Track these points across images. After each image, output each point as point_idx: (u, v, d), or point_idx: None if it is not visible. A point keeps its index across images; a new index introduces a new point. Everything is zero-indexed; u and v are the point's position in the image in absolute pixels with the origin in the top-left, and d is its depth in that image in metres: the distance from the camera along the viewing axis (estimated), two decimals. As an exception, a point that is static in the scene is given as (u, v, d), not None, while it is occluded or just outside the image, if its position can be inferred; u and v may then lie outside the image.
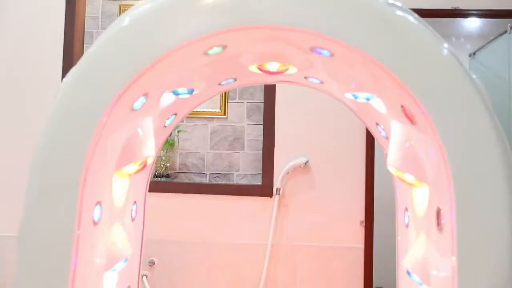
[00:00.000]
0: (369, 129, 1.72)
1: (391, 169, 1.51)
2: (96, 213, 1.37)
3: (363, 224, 2.68)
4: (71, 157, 1.29)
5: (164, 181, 2.83)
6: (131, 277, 1.66)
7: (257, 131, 2.89)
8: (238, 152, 2.90)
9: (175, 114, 1.63)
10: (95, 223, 1.37)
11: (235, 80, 1.56)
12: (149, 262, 2.70)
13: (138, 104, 1.35)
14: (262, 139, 2.84)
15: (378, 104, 1.44)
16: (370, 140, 2.73)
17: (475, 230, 1.21)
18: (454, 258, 1.21)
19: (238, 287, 2.68)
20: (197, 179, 2.89)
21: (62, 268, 1.25)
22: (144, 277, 2.68)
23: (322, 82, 1.54)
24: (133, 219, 1.64)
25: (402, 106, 1.32)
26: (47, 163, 1.29)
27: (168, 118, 1.61)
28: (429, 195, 1.38)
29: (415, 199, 1.49)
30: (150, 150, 1.53)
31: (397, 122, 1.42)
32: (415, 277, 1.45)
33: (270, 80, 1.60)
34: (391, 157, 1.49)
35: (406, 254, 1.55)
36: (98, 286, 1.42)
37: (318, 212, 2.71)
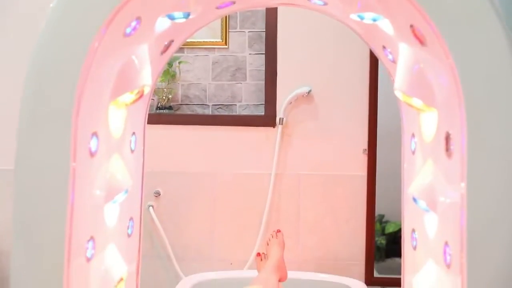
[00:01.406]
0: (375, 53, 1.60)
1: (398, 93, 1.41)
2: (93, 144, 1.29)
3: (366, 152, 2.61)
4: (63, 85, 1.19)
5: (166, 113, 2.74)
6: (133, 208, 1.60)
7: (259, 61, 2.77)
8: (240, 83, 2.79)
9: (172, 41, 1.52)
10: (92, 155, 1.29)
11: (233, 3, 1.43)
12: (154, 193, 2.65)
13: (130, 29, 1.24)
14: (264, 69, 2.72)
15: (385, 25, 1.33)
16: (374, 67, 2.61)
17: (486, 155, 1.13)
18: (463, 184, 1.13)
19: (242, 216, 2.64)
20: (200, 111, 2.80)
21: (60, 201, 1.18)
22: (150, 207, 2.64)
23: (325, 4, 1.42)
24: (132, 151, 1.56)
25: (411, 26, 1.21)
26: (38, 93, 1.20)
27: (165, 45, 1.50)
28: (438, 120, 1.29)
29: (423, 125, 1.40)
30: (146, 79, 1.43)
31: (405, 44, 1.31)
32: (422, 204, 1.39)
33: (271, 2, 1.48)
34: (398, 81, 1.38)
35: (412, 181, 1.48)
36: (98, 218, 1.36)
37: (321, 141, 2.63)
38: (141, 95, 1.44)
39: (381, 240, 2.90)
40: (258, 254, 2.15)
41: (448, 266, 1.22)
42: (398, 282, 2.50)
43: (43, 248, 1.18)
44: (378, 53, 1.57)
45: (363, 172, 2.61)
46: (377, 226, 2.75)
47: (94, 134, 1.29)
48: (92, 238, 1.30)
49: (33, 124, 1.19)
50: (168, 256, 2.62)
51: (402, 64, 1.36)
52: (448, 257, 1.23)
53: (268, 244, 2.13)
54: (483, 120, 1.14)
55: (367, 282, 2.44)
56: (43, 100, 1.19)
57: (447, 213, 1.25)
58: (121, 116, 1.45)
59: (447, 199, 1.25)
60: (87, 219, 1.28)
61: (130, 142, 1.54)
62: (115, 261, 1.43)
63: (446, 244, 1.23)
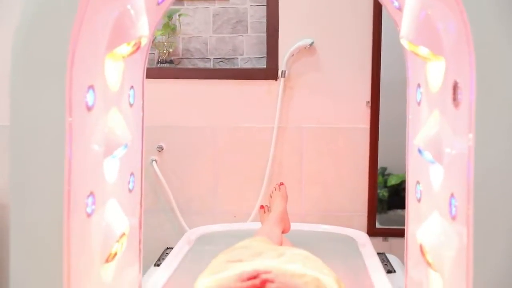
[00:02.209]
0: (380, 0, 1.52)
1: (403, 42, 1.33)
2: (89, 97, 1.23)
3: (369, 104, 2.54)
4: (55, 36, 1.12)
5: (167, 67, 2.66)
6: (134, 163, 1.55)
7: (261, 13, 2.67)
8: (242, 36, 2.71)
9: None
10: (89, 109, 1.23)
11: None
12: (157, 147, 2.61)
13: (124, -24, 1.16)
14: (265, 21, 2.63)
15: (391, -31, 1.24)
16: (377, 18, 2.51)
17: (495, 104, 1.07)
18: (471, 136, 1.07)
19: (245, 170, 2.61)
20: (201, 64, 2.72)
21: (57, 156, 1.13)
22: (154, 162, 2.60)
23: None
24: (131, 105, 1.50)
25: (419, -31, 1.12)
26: (29, 45, 1.13)
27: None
28: (446, 69, 1.22)
29: (429, 74, 1.33)
30: (143, 30, 1.36)
31: (412, -11, 1.23)
32: (427, 155, 1.33)
33: None
34: (404, 29, 1.31)
35: (417, 132, 1.42)
36: (98, 174, 1.31)
37: (324, 94, 2.57)
38: (138, 47, 1.36)
39: (383, 193, 2.87)
40: (262, 207, 2.13)
41: (454, 218, 1.18)
42: (400, 232, 2.48)
43: (42, 204, 1.14)
44: (384, 0, 1.48)
45: (366, 124, 2.55)
46: (380, 178, 2.71)
47: (91, 87, 1.23)
48: (92, 193, 1.26)
49: (25, 79, 1.13)
50: (172, 209, 2.59)
51: (408, 11, 1.28)
52: (453, 209, 1.18)
53: (271, 197, 2.11)
54: (493, 68, 1.07)
55: (369, 233, 2.42)
56: (35, 53, 1.12)
57: (453, 165, 1.19)
58: (118, 69, 1.38)
59: (454, 150, 1.19)
60: (86, 174, 1.24)
61: (129, 96, 1.48)
62: (116, 217, 1.39)
63: (452, 196, 1.19)
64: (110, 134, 1.33)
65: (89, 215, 1.25)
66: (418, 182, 1.45)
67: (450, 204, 1.19)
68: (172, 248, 2.16)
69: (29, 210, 1.14)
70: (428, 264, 1.33)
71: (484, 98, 1.06)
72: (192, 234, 2.29)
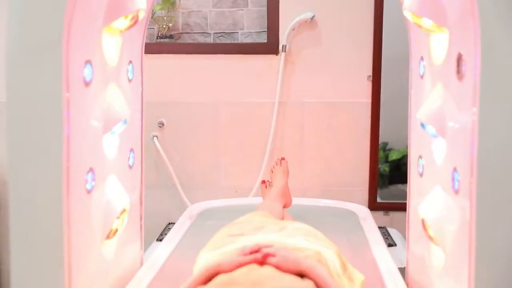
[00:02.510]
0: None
1: (407, 14, 1.30)
2: (87, 73, 1.20)
3: (371, 78, 2.50)
4: (50, 10, 1.09)
5: (167, 42, 2.62)
6: (134, 139, 1.53)
7: (261, -14, 2.62)
8: (242, 10, 2.65)
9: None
10: (86, 84, 1.20)
11: None
12: (158, 123, 2.58)
13: None
14: (266, -6, 2.57)
15: None
16: (379, -10, 2.46)
17: (500, 77, 1.04)
18: (475, 109, 1.04)
19: (246, 145, 2.58)
20: (201, 39, 2.68)
21: (55, 133, 1.11)
22: (155, 137, 2.57)
23: None
24: (130, 80, 1.47)
25: None
26: (24, 19, 1.10)
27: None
28: (449, 41, 1.19)
29: (433, 47, 1.29)
30: (140, 2, 1.32)
31: (415, -41, 1.19)
32: (430, 129, 1.31)
33: None
34: (407, 0, 1.27)
35: (420, 106, 1.39)
36: (97, 150, 1.29)
37: (325, 68, 2.52)
38: (136, 21, 1.33)
39: (384, 168, 2.85)
40: (263, 182, 2.12)
41: (456, 192, 1.16)
42: (401, 207, 2.46)
43: (41, 181, 1.12)
44: (386, -29, 1.44)
45: (367, 99, 2.52)
46: (381, 153, 2.69)
47: (88, 62, 1.20)
48: (91, 169, 1.24)
49: (21, 54, 1.10)
50: (174, 185, 2.58)
51: (411, -19, 1.25)
52: (456, 183, 1.16)
53: (272, 172, 2.09)
54: (498, 39, 1.04)
55: (371, 207, 2.41)
56: (30, 27, 1.09)
57: (457, 139, 1.17)
58: (116, 43, 1.35)
59: (457, 124, 1.17)
60: (85, 150, 1.22)
61: (127, 71, 1.45)
62: (116, 193, 1.38)
63: (455, 170, 1.17)
64: (109, 109, 1.31)
65: (89, 191, 1.24)
66: (420, 157, 1.43)
67: (453, 178, 1.17)
68: (174, 223, 2.15)
69: (28, 187, 1.12)
70: (430, 238, 1.32)
71: (488, 71, 1.03)
72: (193, 209, 2.28)
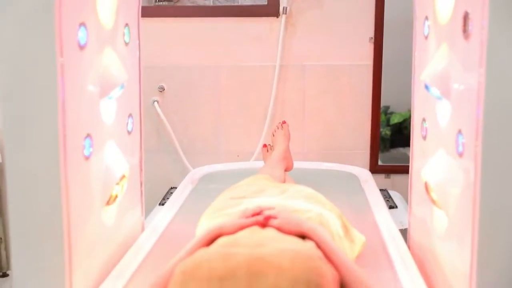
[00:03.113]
0: None
1: (411, -29, 1.23)
2: (81, 36, 1.14)
3: (373, 40, 2.44)
4: (40, -30, 1.03)
5: (166, 5, 2.54)
6: (132, 104, 1.48)
7: None
8: (242, -29, 2.57)
9: None
10: (81, 48, 1.15)
11: None
12: (158, 88, 2.53)
13: None
14: (266, -45, 2.48)
15: None
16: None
17: (507, 36, 0.98)
18: (481, 70, 0.99)
19: (248, 109, 2.53)
20: (200, 2, 2.60)
21: (50, 98, 1.06)
22: (155, 102, 2.52)
23: None
24: (126, 44, 1.41)
25: None
26: (13, -20, 1.04)
27: None
28: (456, -1, 1.12)
29: (438, 5, 1.23)
30: (135, -38, 1.25)
31: None
32: (434, 91, 1.26)
33: None
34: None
35: (424, 67, 1.34)
36: (94, 115, 1.25)
37: (326, 30, 2.45)
38: (131, -18, 1.27)
39: (386, 131, 2.81)
40: (264, 146, 2.09)
41: (461, 155, 1.12)
42: (402, 169, 2.44)
43: (37, 147, 1.08)
44: None
45: (369, 61, 2.45)
46: (382, 117, 2.64)
47: (82, 24, 1.14)
48: (89, 135, 1.20)
49: (12, 18, 1.04)
50: (175, 150, 2.54)
51: None
52: (460, 146, 1.12)
53: (273, 136, 2.06)
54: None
55: (372, 170, 2.38)
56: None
57: (462, 101, 1.12)
58: (111, 5, 1.29)
59: (463, 85, 1.12)
60: (82, 116, 1.17)
61: (123, 34, 1.39)
62: (115, 159, 1.34)
63: (459, 132, 1.12)
64: (105, 74, 1.26)
65: (87, 157, 1.20)
66: (424, 119, 1.38)
67: (457, 141, 1.13)
68: (176, 188, 2.12)
69: (24, 154, 1.09)
70: (433, 201, 1.28)
71: (496, 30, 0.98)
72: (195, 173, 2.25)
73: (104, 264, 1.28)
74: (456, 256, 1.13)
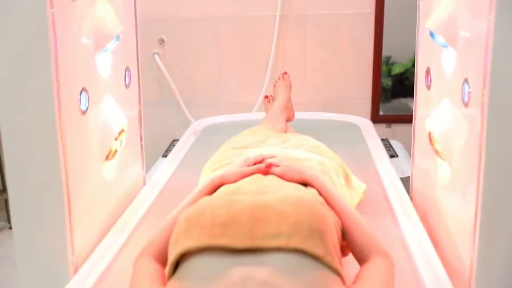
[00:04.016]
0: None
1: None
2: (72, -15, 1.06)
3: (374, -12, 2.33)
4: None
5: (164, -45, 2.42)
6: (129, 57, 1.41)
7: None
8: None
9: None
10: (72, -2, 1.07)
11: None
12: (159, 40, 2.44)
13: None
14: None
15: None
16: None
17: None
18: (491, 16, 0.92)
19: (249, 60, 2.45)
20: (199, -49, 2.47)
21: (41, 51, 1.00)
22: (156, 54, 2.44)
23: None
24: (121, -7, 1.33)
25: None
26: None
27: None
28: None
29: None
30: None
31: None
32: (439, 39, 1.18)
33: None
34: None
35: (429, 15, 1.25)
36: (89, 69, 1.18)
37: (327, -23, 2.34)
38: None
39: (387, 82, 2.73)
40: (266, 97, 2.03)
41: (466, 104, 1.06)
42: (403, 119, 2.38)
43: (31, 103, 1.03)
44: None
45: (370, 9, 2.35)
46: (384, 68, 2.55)
47: (72, -27, 1.06)
48: (84, 89, 1.13)
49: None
50: (177, 102, 2.48)
51: None
52: (466, 95, 1.05)
53: (275, 86, 1.99)
54: None
55: (373, 120, 2.31)
56: None
57: (469, 48, 1.05)
58: (103, -47, 1.20)
59: (470, 32, 1.04)
60: (76, 69, 1.11)
61: (118, -17, 1.30)
62: (113, 113, 1.28)
63: (466, 81, 1.05)
64: (99, 25, 1.18)
65: (83, 112, 1.14)
66: (428, 68, 1.31)
67: (463, 90, 1.07)
68: (178, 140, 2.07)
69: (18, 110, 1.03)
70: (436, 152, 1.23)
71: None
72: (197, 125, 2.20)
73: (105, 219, 1.24)
74: (460, 207, 1.09)
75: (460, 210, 1.08)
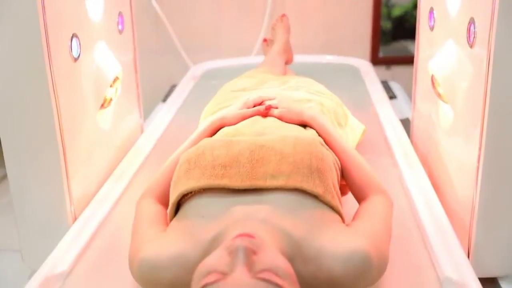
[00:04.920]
0: None
1: None
2: None
3: None
4: None
5: None
6: (121, 1, 1.32)
7: None
8: None
9: None
10: None
11: None
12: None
13: None
14: None
15: None
16: None
17: None
18: None
19: (247, 3, 2.33)
20: None
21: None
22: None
23: None
24: None
25: None
26: None
27: None
28: None
29: None
30: None
31: None
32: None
33: None
34: None
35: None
36: (80, 14, 1.10)
37: None
38: None
39: (386, 24, 2.61)
40: (265, 40, 1.95)
41: (471, 45, 0.99)
42: (403, 60, 2.30)
43: (20, 49, 0.96)
44: None
45: None
46: (383, 10, 2.44)
47: None
48: (75, 35, 1.06)
49: None
50: (175, 47, 2.38)
51: None
52: (472, 36, 0.98)
53: (273, 29, 1.90)
54: None
55: (373, 62, 2.23)
56: None
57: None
58: None
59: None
60: (66, 15, 1.03)
61: None
62: (107, 60, 1.20)
63: (471, 21, 0.98)
64: (88, -34, 1.09)
65: (75, 59, 1.07)
66: (432, 9, 1.22)
67: (469, 31, 0.99)
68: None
69: (6, 58, 0.96)
70: (439, 95, 1.16)
71: None
72: (196, 70, 2.12)
73: (103, 168, 1.20)
74: (462, 151, 1.03)
75: (463, 154, 1.03)
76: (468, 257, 0.98)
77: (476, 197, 0.96)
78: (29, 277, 1.03)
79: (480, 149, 0.94)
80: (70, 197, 1.04)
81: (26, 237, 1.05)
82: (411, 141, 1.35)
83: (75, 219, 1.04)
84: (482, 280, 0.85)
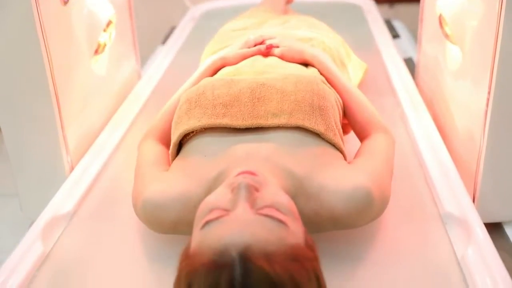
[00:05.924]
0: None
1: None
2: None
3: None
4: None
5: None
6: None
7: None
8: None
9: None
10: None
11: None
12: None
13: None
14: None
15: None
16: None
17: None
18: None
19: None
20: None
21: None
22: None
23: None
24: None
25: None
26: None
27: None
28: None
29: None
30: None
31: None
32: None
33: None
34: None
35: None
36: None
37: None
38: None
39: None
40: (265, -19, 1.82)
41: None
42: (407, -3, 2.17)
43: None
44: None
45: None
46: None
47: None
48: (63, -23, 0.96)
49: None
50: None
51: None
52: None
53: (273, -33, 1.78)
54: None
55: (375, 0, 2.10)
56: None
57: None
58: None
59: None
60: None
61: None
62: (99, 3, 1.11)
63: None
64: None
65: (65, 2, 0.98)
66: None
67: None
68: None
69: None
70: (447, 36, 1.07)
71: None
72: (195, 11, 2.01)
73: (100, 116, 1.13)
74: (470, 94, 0.96)
75: (471, 97, 0.96)
76: (474, 202, 0.94)
77: (483, 142, 0.91)
78: (29, 226, 0.99)
79: (489, 92, 0.87)
80: (66, 146, 0.98)
81: (23, 187, 1.01)
82: (416, 84, 1.28)
83: (72, 169, 0.99)
84: (487, 225, 0.81)
